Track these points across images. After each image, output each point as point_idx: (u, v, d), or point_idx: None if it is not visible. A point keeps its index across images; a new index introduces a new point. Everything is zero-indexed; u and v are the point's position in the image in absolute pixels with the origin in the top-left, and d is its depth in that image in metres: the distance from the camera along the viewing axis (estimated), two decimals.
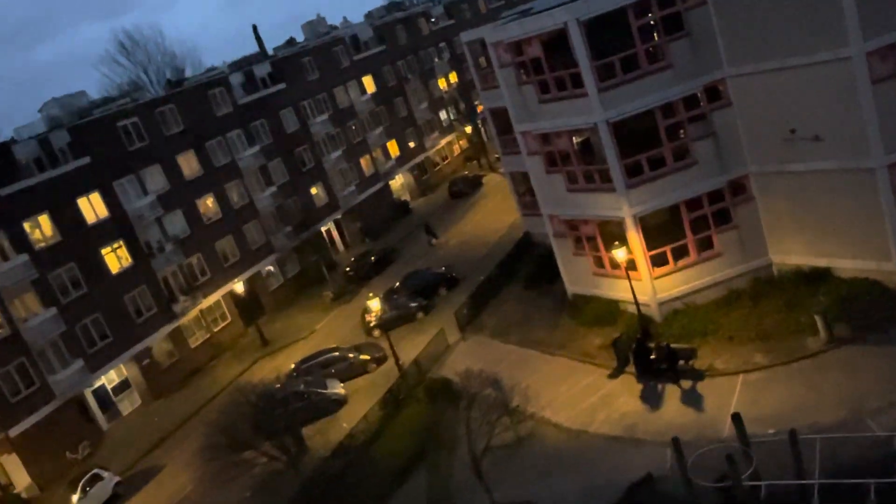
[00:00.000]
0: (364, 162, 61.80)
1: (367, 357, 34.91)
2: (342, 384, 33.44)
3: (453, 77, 75.83)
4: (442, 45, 75.50)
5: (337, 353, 35.61)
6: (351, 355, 35.12)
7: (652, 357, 25.54)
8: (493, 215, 52.16)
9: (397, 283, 42.54)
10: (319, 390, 32.30)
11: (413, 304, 39.18)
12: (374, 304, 34.04)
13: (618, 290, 29.41)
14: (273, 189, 51.35)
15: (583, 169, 28.83)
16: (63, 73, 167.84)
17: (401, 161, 66.29)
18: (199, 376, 42.37)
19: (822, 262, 26.33)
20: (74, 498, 30.61)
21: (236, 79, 52.98)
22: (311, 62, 58.67)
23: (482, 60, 38.19)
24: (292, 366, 36.51)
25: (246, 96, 52.19)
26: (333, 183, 57.73)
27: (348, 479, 25.88)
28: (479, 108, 70.43)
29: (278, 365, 38.72)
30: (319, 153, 56.96)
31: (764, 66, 25.08)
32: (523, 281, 36.87)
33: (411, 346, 34.69)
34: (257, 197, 50.26)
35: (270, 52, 68.36)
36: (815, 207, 25.73)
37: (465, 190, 61.48)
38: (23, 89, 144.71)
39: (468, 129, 72.99)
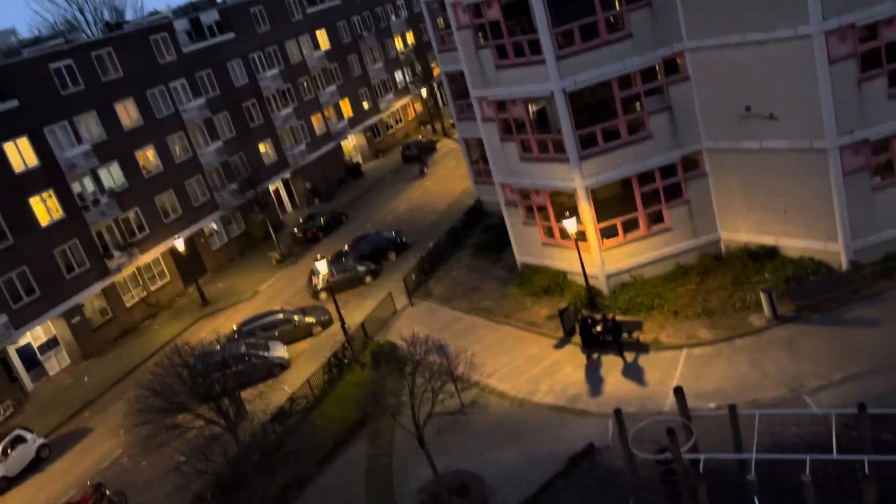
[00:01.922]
0: (315, 120, 60.16)
1: (313, 320, 34.17)
2: (286, 347, 32.69)
3: (410, 37, 74.26)
4: (399, 2, 73.72)
5: (281, 316, 34.73)
6: (296, 318, 34.29)
7: (597, 329, 25.49)
8: (446, 182, 51.53)
9: (346, 247, 41.71)
10: (261, 353, 31.48)
11: (361, 268, 38.45)
12: (322, 267, 33.20)
13: (566, 261, 29.24)
14: (218, 144, 49.51)
15: (537, 138, 28.35)
16: None
17: (353, 122, 64.82)
18: (134, 336, 40.93)
19: (770, 241, 26.55)
20: None
21: (181, 25, 50.59)
22: (262, 12, 56.41)
23: (440, 21, 37.20)
24: (234, 327, 35.51)
25: (191, 44, 49.94)
26: (283, 141, 56.08)
27: (288, 444, 25.30)
28: (436, 72, 69.34)
29: (219, 326, 37.61)
30: (269, 109, 55.12)
31: (723, 41, 24.84)
32: (473, 249, 36.51)
33: (358, 310, 34.10)
34: (201, 151, 48.39)
35: None
36: (766, 186, 25.83)
37: (417, 155, 60.56)
38: None
39: (423, 93, 71.78)
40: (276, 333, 33.68)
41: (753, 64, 24.29)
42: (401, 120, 72.36)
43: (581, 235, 27.63)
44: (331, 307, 33.96)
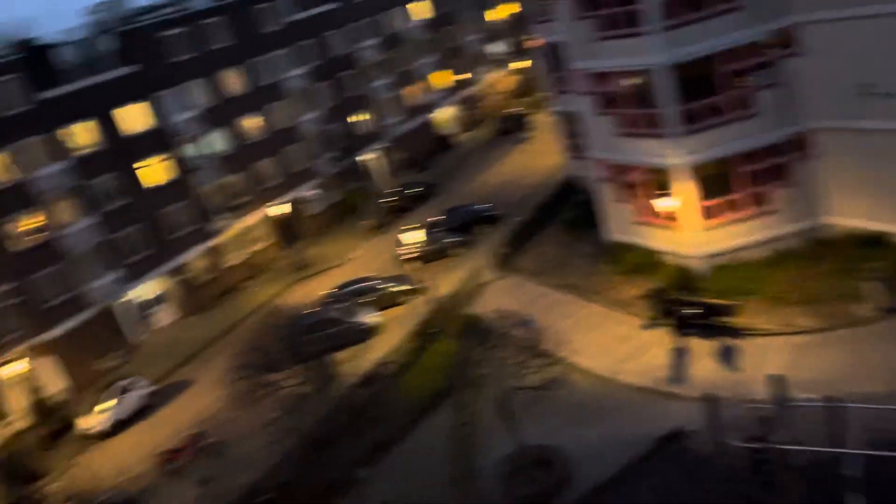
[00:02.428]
0: (410, 92, 60.60)
1: (402, 289, 34.76)
2: (376, 313, 33.44)
3: (508, 8, 73.33)
4: None
5: (371, 283, 35.51)
6: (385, 285, 34.99)
7: (690, 311, 24.81)
8: (539, 156, 50.96)
9: (437, 217, 42.06)
10: (352, 318, 32.34)
11: (451, 240, 38.73)
12: (412, 237, 33.66)
13: (660, 240, 28.52)
14: (317, 113, 50.75)
15: (636, 113, 27.59)
16: None
17: (448, 94, 64.89)
18: (233, 296, 42.86)
19: (881, 228, 25.03)
20: (106, 404, 31.46)
21: None
22: None
23: None
24: (326, 292, 36.58)
25: (295, 14, 51.08)
26: (378, 111, 56.83)
27: (375, 408, 26.01)
28: (533, 44, 68.29)
29: (312, 290, 38.87)
30: (366, 79, 55.90)
31: (841, 14, 23.35)
32: (563, 224, 36.08)
33: (446, 281, 34.44)
34: (301, 120, 49.75)
35: None
36: (882, 169, 24.29)
37: (511, 128, 60.11)
38: None
39: (520, 65, 70.91)
40: (366, 300, 34.48)
41: (874, 38, 22.75)
42: (496, 93, 71.84)
43: (676, 214, 26.85)
44: (420, 277, 34.42)
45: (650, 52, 25.51)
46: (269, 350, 24.84)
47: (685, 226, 27.18)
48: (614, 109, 28.30)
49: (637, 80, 27.77)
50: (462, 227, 40.04)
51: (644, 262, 29.13)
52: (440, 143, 61.76)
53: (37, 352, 34.68)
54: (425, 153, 59.46)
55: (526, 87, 69.35)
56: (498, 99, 71.23)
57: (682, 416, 20.85)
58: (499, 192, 46.33)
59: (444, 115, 65.28)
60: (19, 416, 33.30)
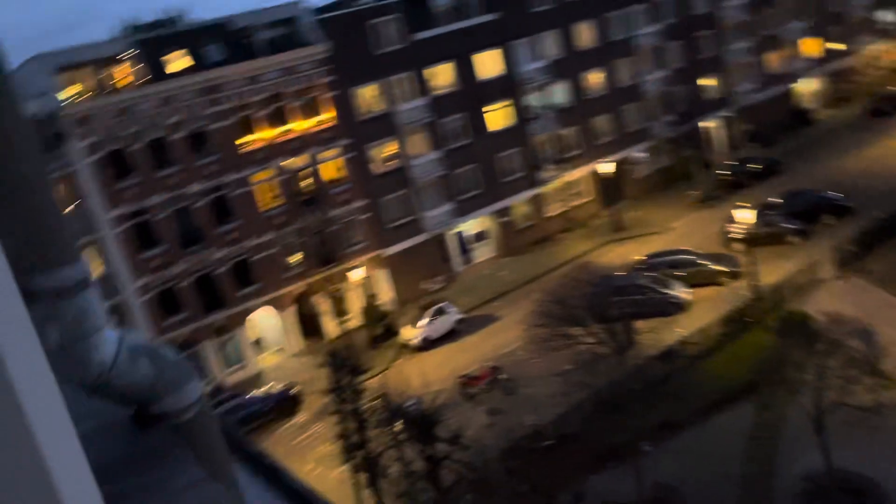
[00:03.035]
0: (771, 58, 55.16)
1: (721, 268, 32.56)
2: (687, 289, 31.87)
3: None
4: None
5: (689, 257, 33.81)
6: (703, 262, 33.05)
7: None
8: None
9: (775, 199, 38.28)
10: (661, 289, 31.23)
11: (789, 226, 35.06)
12: (744, 215, 31.12)
13: None
14: (663, 73, 48.82)
15: None
16: None
17: (815, 63, 57.83)
18: (548, 245, 43.95)
19: None
20: (423, 322, 34.71)
21: None
22: None
23: None
24: (640, 258, 35.73)
25: None
26: (730, 77, 52.85)
27: (670, 385, 25.01)
28: None
29: (625, 253, 38.25)
30: (722, 41, 52.14)
31: None
32: None
33: (775, 270, 31.37)
34: (644, 79, 48.34)
35: None
36: None
37: (888, 109, 51.83)
38: None
39: None
40: (681, 273, 32.93)
41: None
42: (875, 67, 62.21)
43: None
44: (744, 259, 31.81)
45: None
46: (573, 304, 25.08)
47: None
48: None
49: None
50: (804, 215, 35.94)
51: None
52: (796, 118, 55.59)
53: (375, 264, 39.37)
54: (775, 127, 54.01)
55: None
56: (877, 75, 61.66)
57: None
58: (857, 181, 40.48)
59: (807, 88, 58.43)
60: (353, 316, 38.33)
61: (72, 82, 33.66)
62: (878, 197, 36.71)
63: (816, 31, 57.44)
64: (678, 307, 30.92)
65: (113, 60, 34.27)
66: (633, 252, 38.17)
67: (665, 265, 33.73)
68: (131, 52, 34.10)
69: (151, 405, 1.47)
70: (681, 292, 31.38)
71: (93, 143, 32.18)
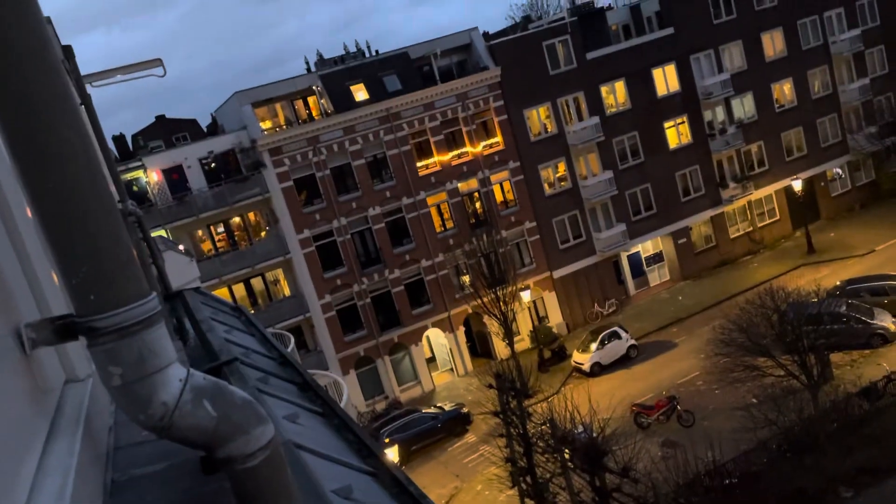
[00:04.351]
0: None
1: None
2: (893, 319, 28.53)
3: None
4: None
5: (894, 283, 30.27)
6: None
7: None
8: None
9: None
10: (863, 318, 28.19)
11: None
12: None
13: None
14: (864, 81, 44.42)
15: None
16: None
17: None
18: (731, 268, 41.28)
19: None
20: (593, 346, 33.73)
21: None
22: None
23: None
24: (837, 283, 32.53)
25: None
26: None
27: (873, 425, 22.40)
28: None
29: (820, 278, 34.87)
30: None
31: None
32: None
33: None
34: (843, 88, 44.27)
35: None
36: None
37: None
38: None
39: None
40: (886, 301, 29.54)
41: None
42: None
43: None
44: None
45: None
46: (758, 332, 23.26)
47: None
48: None
49: None
50: None
51: None
52: None
53: (545, 285, 38.98)
54: None
55: None
56: None
57: None
58: None
59: None
60: (523, 338, 38.11)
61: (268, 115, 36.96)
62: None
63: None
64: (883, 339, 27.75)
65: (302, 93, 37.15)
66: (828, 277, 34.83)
67: (867, 291, 30.46)
68: (318, 85, 36.69)
69: (217, 449, 1.41)
70: (886, 321, 28.14)
71: (284, 170, 34.80)
